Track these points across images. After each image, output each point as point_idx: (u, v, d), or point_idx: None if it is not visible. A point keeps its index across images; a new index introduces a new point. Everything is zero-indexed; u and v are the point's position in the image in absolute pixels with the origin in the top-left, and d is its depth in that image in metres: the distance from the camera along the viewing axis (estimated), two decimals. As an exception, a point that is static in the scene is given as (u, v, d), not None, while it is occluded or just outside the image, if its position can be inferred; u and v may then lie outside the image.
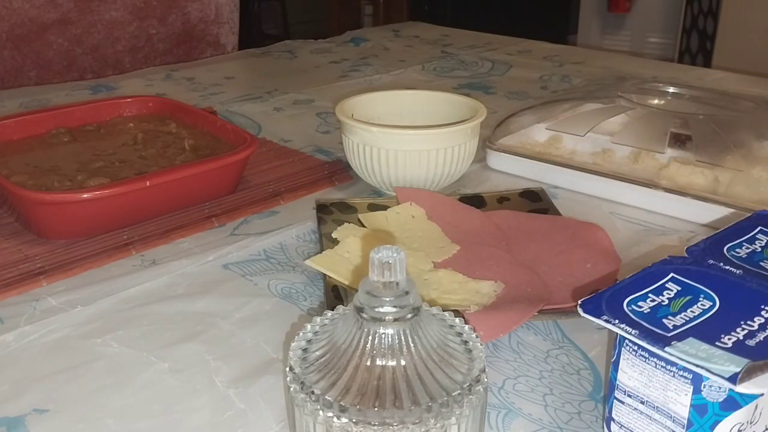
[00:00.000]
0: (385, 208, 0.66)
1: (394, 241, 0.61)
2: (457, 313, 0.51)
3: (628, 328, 0.36)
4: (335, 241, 0.60)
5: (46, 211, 0.62)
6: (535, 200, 0.70)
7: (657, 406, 0.37)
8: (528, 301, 0.52)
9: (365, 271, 0.36)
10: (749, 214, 0.49)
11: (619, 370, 0.38)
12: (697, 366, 0.34)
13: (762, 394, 0.34)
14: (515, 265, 0.58)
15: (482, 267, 0.57)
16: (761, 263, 0.43)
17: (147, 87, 1.12)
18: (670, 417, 0.36)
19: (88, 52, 1.30)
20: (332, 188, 0.75)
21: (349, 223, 0.63)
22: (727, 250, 0.44)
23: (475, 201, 0.69)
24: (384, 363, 0.34)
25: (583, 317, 0.38)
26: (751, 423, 0.35)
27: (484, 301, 0.52)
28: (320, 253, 0.58)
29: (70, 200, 0.62)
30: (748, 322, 0.36)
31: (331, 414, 0.33)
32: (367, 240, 0.59)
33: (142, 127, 0.80)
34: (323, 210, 0.67)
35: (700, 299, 0.38)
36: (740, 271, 0.42)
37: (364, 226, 0.64)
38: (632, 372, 0.38)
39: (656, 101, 0.84)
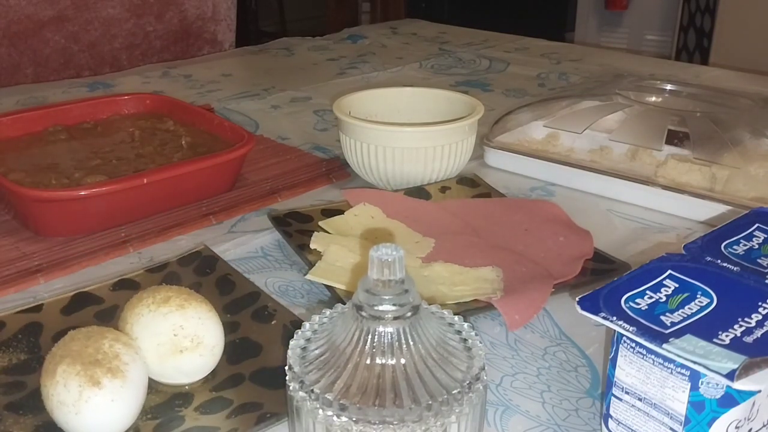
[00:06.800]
0: (337, 212, 0.65)
1: (377, 242, 0.60)
2: (477, 302, 0.52)
3: (626, 325, 0.36)
4: (316, 252, 0.58)
5: (44, 208, 0.62)
6: (474, 186, 0.71)
7: (655, 403, 0.37)
8: (538, 279, 0.53)
9: (362, 274, 0.36)
10: (746, 211, 0.49)
11: (617, 367, 0.38)
12: (695, 363, 0.34)
13: (759, 391, 0.34)
14: (496, 249, 0.58)
15: (468, 255, 0.57)
16: (758, 260, 0.43)
17: (144, 84, 1.11)
18: (668, 414, 0.36)
19: (85, 50, 1.30)
20: (330, 185, 0.75)
21: (318, 231, 0.61)
22: (724, 247, 0.44)
23: (421, 193, 0.69)
24: (384, 361, 0.34)
25: (581, 314, 0.38)
26: (748, 420, 0.36)
27: (494, 286, 0.53)
28: (308, 263, 0.57)
29: (67, 198, 0.62)
30: (746, 319, 0.36)
31: (330, 413, 0.33)
32: (350, 245, 0.58)
33: (140, 124, 0.80)
34: (281, 222, 0.63)
35: (698, 296, 0.38)
36: (738, 268, 0.42)
37: (328, 232, 0.62)
38: (630, 369, 0.38)
39: (654, 98, 0.84)
